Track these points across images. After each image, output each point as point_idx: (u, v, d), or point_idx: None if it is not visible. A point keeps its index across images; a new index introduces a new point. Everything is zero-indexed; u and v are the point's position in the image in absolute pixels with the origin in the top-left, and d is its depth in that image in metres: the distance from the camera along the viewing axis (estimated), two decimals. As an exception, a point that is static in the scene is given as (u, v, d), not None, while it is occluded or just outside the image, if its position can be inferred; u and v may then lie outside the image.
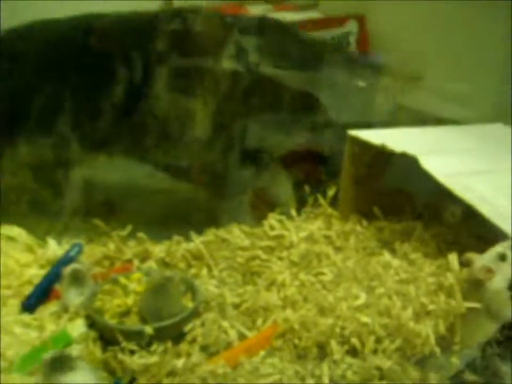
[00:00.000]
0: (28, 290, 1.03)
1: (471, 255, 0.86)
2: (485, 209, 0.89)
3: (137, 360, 0.79)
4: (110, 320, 0.88)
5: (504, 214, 0.90)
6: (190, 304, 0.90)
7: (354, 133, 1.13)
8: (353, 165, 1.18)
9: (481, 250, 1.03)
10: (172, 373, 0.78)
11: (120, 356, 0.83)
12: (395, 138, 1.11)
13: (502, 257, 0.85)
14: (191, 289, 0.91)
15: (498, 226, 0.86)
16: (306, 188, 1.22)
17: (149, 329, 0.81)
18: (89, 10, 1.35)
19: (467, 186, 0.95)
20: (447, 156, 1.07)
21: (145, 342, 0.83)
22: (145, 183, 1.37)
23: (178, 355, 0.82)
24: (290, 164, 1.39)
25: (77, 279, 0.95)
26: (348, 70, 1.48)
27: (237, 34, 1.41)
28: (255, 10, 1.53)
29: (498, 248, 0.85)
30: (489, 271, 0.83)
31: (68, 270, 0.95)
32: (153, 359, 0.79)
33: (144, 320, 0.87)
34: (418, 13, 1.42)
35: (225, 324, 0.91)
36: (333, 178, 1.46)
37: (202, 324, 0.89)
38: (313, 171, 1.44)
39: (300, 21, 1.36)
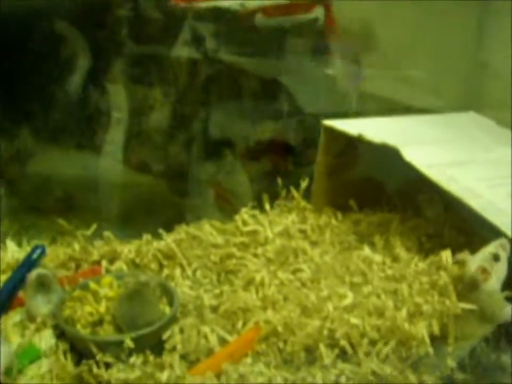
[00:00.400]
0: (-13, 297, 0.94)
1: (463, 255, 0.83)
2: (473, 202, 0.85)
3: (116, 374, 0.73)
4: (82, 330, 0.81)
5: (491, 207, 0.87)
6: (167, 309, 0.85)
7: (329, 123, 1.08)
8: (327, 156, 1.14)
9: (463, 243, 1.01)
10: (156, 387, 0.71)
11: (95, 369, 0.76)
12: (371, 128, 1.07)
13: (496, 258, 0.82)
14: (167, 292, 0.86)
15: (489, 221, 0.83)
16: (279, 180, 1.17)
17: (128, 340, 0.75)
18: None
19: (451, 177, 0.92)
20: (425, 146, 1.04)
21: (123, 354, 0.76)
22: (105, 177, 1.30)
23: (160, 367, 0.76)
24: (257, 154, 1.34)
25: (43, 285, 0.88)
26: (310, 57, 1.44)
27: (191, 20, 1.36)
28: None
29: (491, 248, 0.83)
30: (485, 271, 0.80)
31: (32, 275, 0.87)
32: (135, 373, 0.72)
33: (119, 329, 0.81)
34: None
35: (204, 328, 0.86)
36: (299, 168, 1.43)
37: (181, 330, 0.83)
38: (281, 161, 1.40)
39: (265, 6, 1.30)
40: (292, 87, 1.38)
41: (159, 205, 1.30)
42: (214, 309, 0.91)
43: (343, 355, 0.80)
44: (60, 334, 0.85)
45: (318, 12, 1.39)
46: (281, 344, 0.84)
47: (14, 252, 1.02)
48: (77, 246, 1.04)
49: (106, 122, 1.31)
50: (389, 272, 0.91)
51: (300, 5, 1.37)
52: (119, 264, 0.98)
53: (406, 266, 0.91)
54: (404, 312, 0.81)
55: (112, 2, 1.33)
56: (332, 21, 1.42)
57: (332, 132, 1.11)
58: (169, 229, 1.09)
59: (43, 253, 1.00)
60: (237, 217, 1.10)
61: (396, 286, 0.87)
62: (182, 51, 1.34)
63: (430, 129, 1.14)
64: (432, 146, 1.05)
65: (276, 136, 1.38)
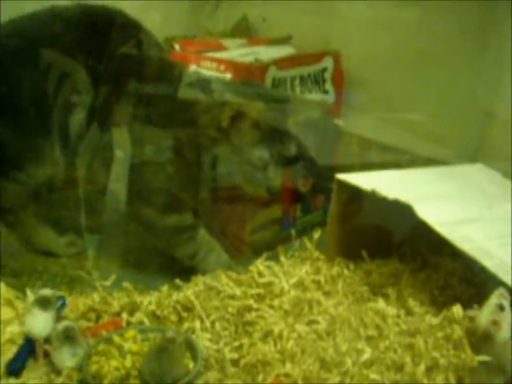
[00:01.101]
0: (10, 349, 0.97)
1: (471, 312, 0.87)
2: (488, 263, 0.89)
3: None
4: (110, 387, 0.83)
5: (504, 267, 0.91)
6: (190, 364, 0.87)
7: (342, 177, 1.12)
8: (339, 206, 1.17)
9: (473, 295, 1.04)
10: None
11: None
12: (382, 182, 1.11)
13: (501, 308, 0.85)
14: (190, 347, 0.88)
15: (504, 281, 0.86)
16: (292, 232, 1.20)
17: None
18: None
19: (464, 236, 0.95)
20: (436, 201, 1.08)
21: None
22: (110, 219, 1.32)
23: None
24: (267, 201, 1.36)
25: (69, 337, 0.90)
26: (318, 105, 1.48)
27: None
28: (231, 44, 1.51)
29: (494, 299, 0.86)
30: (496, 323, 0.83)
31: (59, 328, 0.90)
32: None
33: (147, 384, 0.83)
34: (394, 49, 1.43)
35: (227, 383, 0.87)
36: (308, 214, 1.46)
37: (206, 386, 0.85)
38: (290, 208, 1.43)
39: (278, 59, 1.35)
40: (301, 135, 1.40)
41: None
42: (235, 362, 0.94)
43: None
44: (88, 387, 0.86)
45: (327, 62, 1.43)
46: (302, 399, 0.86)
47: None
48: (96, 297, 1.06)
49: (109, 161, 1.29)
50: (404, 326, 0.94)
51: (310, 55, 1.41)
52: (139, 316, 1.01)
53: (420, 320, 0.94)
54: (422, 367, 0.83)
55: (117, 42, 1.34)
56: (340, 70, 1.46)
57: (343, 183, 1.14)
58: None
59: (64, 304, 1.02)
60: (252, 268, 1.12)
61: (411, 341, 0.90)
62: (187, 93, 1.36)
63: (439, 182, 1.18)
64: (443, 201, 1.09)
65: (285, 183, 1.40)
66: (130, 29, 1.34)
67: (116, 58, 1.31)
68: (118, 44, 1.32)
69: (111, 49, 1.31)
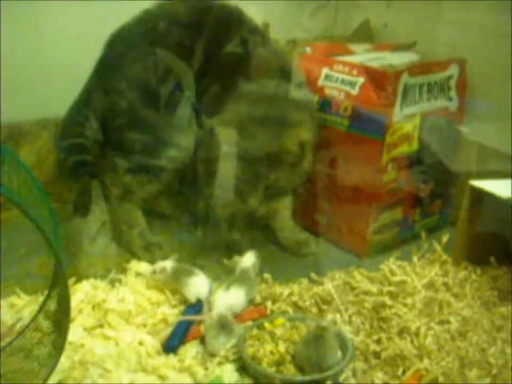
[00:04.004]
0: (163, 329, 1.04)
1: None
2: None
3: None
4: (268, 369, 0.88)
5: None
6: (338, 353, 0.91)
7: (477, 183, 1.15)
8: (469, 214, 1.20)
9: None
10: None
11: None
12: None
13: None
14: (339, 337, 0.93)
15: None
16: (423, 234, 1.24)
17: (329, 382, 0.82)
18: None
19: None
20: None
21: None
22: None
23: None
24: (389, 205, 1.40)
25: (223, 326, 0.96)
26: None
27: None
28: (357, 49, 1.55)
29: None
30: None
31: (214, 316, 0.96)
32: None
33: (301, 370, 0.89)
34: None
35: (372, 373, 0.92)
36: (426, 218, 1.49)
37: (354, 374, 0.90)
38: (410, 211, 1.46)
39: (410, 66, 1.38)
40: (426, 140, 1.43)
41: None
42: (376, 355, 0.98)
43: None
44: (241, 369, 0.93)
45: (453, 70, 1.45)
46: (443, 393, 0.90)
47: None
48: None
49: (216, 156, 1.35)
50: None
51: (438, 63, 1.43)
52: (281, 306, 1.06)
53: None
54: None
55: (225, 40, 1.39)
56: (464, 78, 1.48)
57: (475, 189, 1.17)
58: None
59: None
60: (384, 266, 1.17)
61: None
62: (296, 92, 1.40)
63: None
64: None
65: (407, 187, 1.43)
66: (240, 26, 1.39)
67: (223, 55, 1.37)
68: (225, 41, 1.38)
69: (218, 46, 1.37)
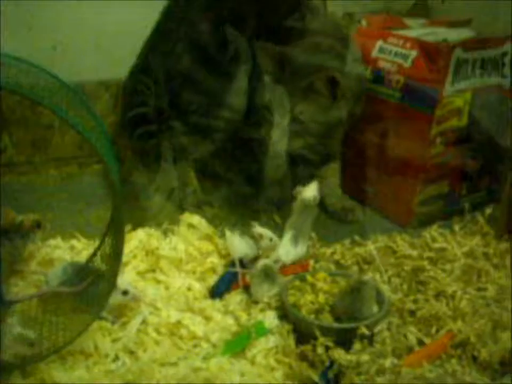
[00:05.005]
0: (211, 277, 1.10)
1: None
2: None
3: (348, 357, 0.86)
4: (307, 316, 0.94)
5: None
6: (375, 307, 0.96)
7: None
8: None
9: None
10: (379, 372, 0.84)
11: (319, 350, 0.89)
12: None
13: None
14: (377, 292, 0.97)
15: None
16: (466, 205, 1.27)
17: (363, 328, 0.88)
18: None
19: None
20: None
21: (344, 339, 0.89)
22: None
23: (379, 354, 0.88)
24: (435, 177, 1.42)
25: (267, 275, 1.02)
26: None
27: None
28: (412, 23, 1.57)
29: None
30: None
31: (259, 265, 1.02)
32: (363, 357, 0.85)
33: (337, 319, 0.94)
34: None
35: (406, 329, 0.96)
36: (472, 194, 1.51)
37: (388, 328, 0.95)
38: (456, 186, 1.49)
39: (465, 40, 1.40)
40: (478, 116, 1.45)
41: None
42: (412, 313, 1.03)
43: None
44: (283, 316, 0.99)
45: (508, 47, 1.46)
46: (475, 353, 0.94)
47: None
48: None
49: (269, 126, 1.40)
50: None
51: (493, 39, 1.44)
52: (325, 263, 1.11)
53: None
54: None
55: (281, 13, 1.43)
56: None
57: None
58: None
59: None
60: (425, 233, 1.21)
61: None
62: (352, 67, 1.43)
63: None
64: None
65: (454, 162, 1.46)
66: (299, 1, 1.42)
67: (281, 29, 1.41)
68: (283, 15, 1.41)
69: (276, 21, 1.41)
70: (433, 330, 1.00)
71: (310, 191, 1.11)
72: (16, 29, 1.44)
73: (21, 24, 1.46)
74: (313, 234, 1.18)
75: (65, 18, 1.49)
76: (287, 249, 1.11)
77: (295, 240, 1.12)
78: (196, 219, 1.19)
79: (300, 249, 1.12)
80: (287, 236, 1.13)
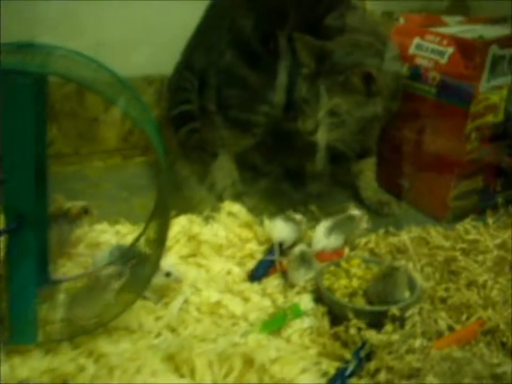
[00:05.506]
0: (249, 262, 1.15)
1: None
2: None
3: (379, 337, 0.90)
4: (341, 299, 0.98)
5: None
6: (407, 293, 1.00)
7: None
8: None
9: None
10: (409, 351, 0.88)
11: (352, 331, 0.93)
12: None
13: None
14: (409, 279, 1.01)
15: None
16: (499, 199, 1.29)
17: (395, 310, 0.91)
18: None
19: None
20: None
21: (376, 321, 0.93)
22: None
23: (409, 336, 0.91)
24: (470, 172, 1.45)
25: (304, 260, 1.06)
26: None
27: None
28: (450, 21, 1.60)
29: None
30: None
31: (296, 251, 1.07)
32: (394, 337, 0.89)
33: (370, 302, 0.98)
34: None
35: (437, 315, 1.00)
36: (506, 190, 1.53)
37: (419, 313, 0.98)
38: (491, 182, 1.51)
39: (501, 37, 1.41)
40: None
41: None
42: (443, 301, 1.06)
43: None
44: (318, 299, 1.03)
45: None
46: (504, 339, 0.97)
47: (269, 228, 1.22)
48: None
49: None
50: None
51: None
52: (359, 251, 1.15)
53: None
54: None
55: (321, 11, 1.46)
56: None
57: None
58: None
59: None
60: (459, 226, 1.24)
61: None
62: (389, 65, 1.46)
63: None
64: None
65: (489, 158, 1.48)
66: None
67: (321, 26, 1.44)
68: (323, 13, 1.45)
69: (316, 18, 1.44)
70: (464, 317, 1.03)
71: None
72: (63, 26, 1.49)
73: (67, 21, 1.52)
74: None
75: (110, 15, 1.54)
76: (318, 239, 1.15)
77: (329, 233, 1.16)
78: (236, 207, 1.24)
79: (333, 242, 1.16)
80: (322, 228, 1.17)
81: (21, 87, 0.73)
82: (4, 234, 0.82)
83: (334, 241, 1.16)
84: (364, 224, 1.20)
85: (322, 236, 1.15)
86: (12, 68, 0.72)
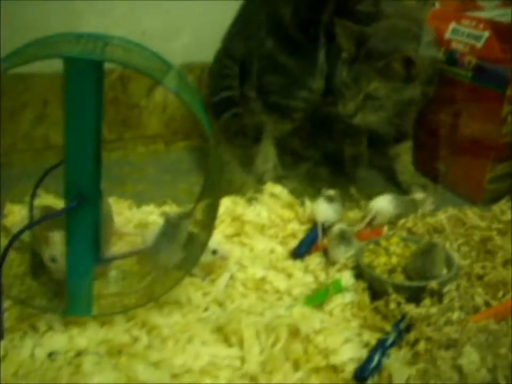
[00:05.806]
0: (291, 241, 1.20)
1: None
2: None
3: (418, 310, 0.94)
4: (381, 275, 1.03)
5: None
6: (444, 269, 1.04)
7: None
8: None
9: None
10: (447, 323, 0.92)
11: (392, 305, 0.98)
12: None
13: None
14: (447, 256, 1.05)
15: None
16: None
17: (433, 284, 0.96)
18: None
19: None
20: None
21: (414, 296, 0.97)
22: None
23: (447, 309, 0.95)
24: (506, 156, 1.47)
25: (343, 237, 1.11)
26: None
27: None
28: (486, 5, 1.62)
29: None
30: None
31: (336, 229, 1.11)
32: (432, 310, 0.93)
33: (409, 278, 1.02)
34: None
35: (474, 291, 1.03)
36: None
37: (457, 288, 1.02)
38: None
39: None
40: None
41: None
42: (480, 278, 1.09)
43: None
44: (358, 275, 1.08)
45: None
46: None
47: (310, 209, 1.26)
48: (358, 213, 1.27)
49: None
50: None
51: None
52: (398, 231, 1.19)
53: None
54: None
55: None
56: None
57: None
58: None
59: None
60: (495, 207, 1.27)
61: None
62: (426, 49, 1.48)
63: None
64: None
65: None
66: None
67: (358, 12, 1.47)
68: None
69: (353, 4, 1.47)
70: (500, 294, 1.06)
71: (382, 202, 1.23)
72: (108, 16, 1.55)
73: (111, 11, 1.57)
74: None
75: (153, 4, 1.59)
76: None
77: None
78: (277, 189, 1.29)
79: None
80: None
81: (88, 74, 0.78)
82: (65, 212, 0.88)
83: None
84: (428, 206, 1.23)
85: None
86: (78, 55, 0.77)
